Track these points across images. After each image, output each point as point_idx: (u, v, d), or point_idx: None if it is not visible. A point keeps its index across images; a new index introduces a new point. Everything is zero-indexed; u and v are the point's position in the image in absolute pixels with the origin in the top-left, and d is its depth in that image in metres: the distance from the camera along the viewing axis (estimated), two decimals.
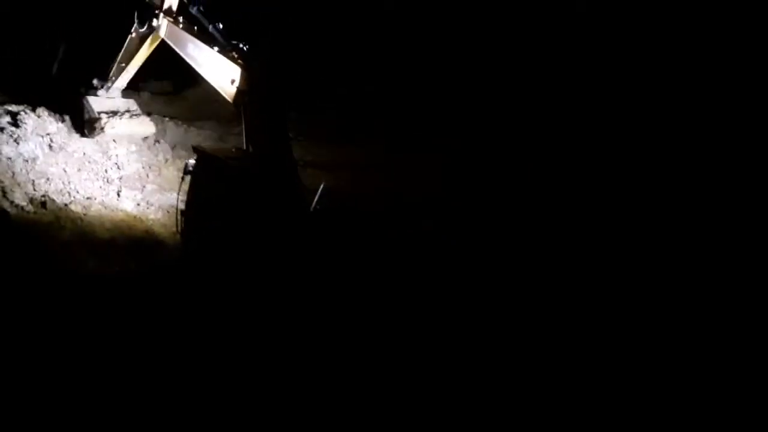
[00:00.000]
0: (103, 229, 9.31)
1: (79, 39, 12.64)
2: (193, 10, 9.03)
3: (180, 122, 12.46)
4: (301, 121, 11.86)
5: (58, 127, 10.72)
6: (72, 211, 9.43)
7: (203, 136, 12.25)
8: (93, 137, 10.87)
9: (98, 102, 11.11)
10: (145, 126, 11.42)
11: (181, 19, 9.35)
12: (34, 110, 10.82)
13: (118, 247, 9.00)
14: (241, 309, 7.23)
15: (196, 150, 8.27)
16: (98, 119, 10.88)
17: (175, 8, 9.47)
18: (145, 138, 11.42)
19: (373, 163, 11.70)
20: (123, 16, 10.22)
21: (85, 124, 11.02)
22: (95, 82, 11.11)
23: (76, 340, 6.57)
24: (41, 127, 10.47)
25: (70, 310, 6.97)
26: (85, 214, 9.48)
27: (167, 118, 12.44)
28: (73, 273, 7.79)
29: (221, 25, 8.74)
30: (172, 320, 7.17)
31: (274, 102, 8.10)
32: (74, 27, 12.93)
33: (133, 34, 10.12)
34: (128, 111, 11.30)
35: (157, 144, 11.80)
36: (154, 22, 9.50)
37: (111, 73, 10.91)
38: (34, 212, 9.08)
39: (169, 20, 9.32)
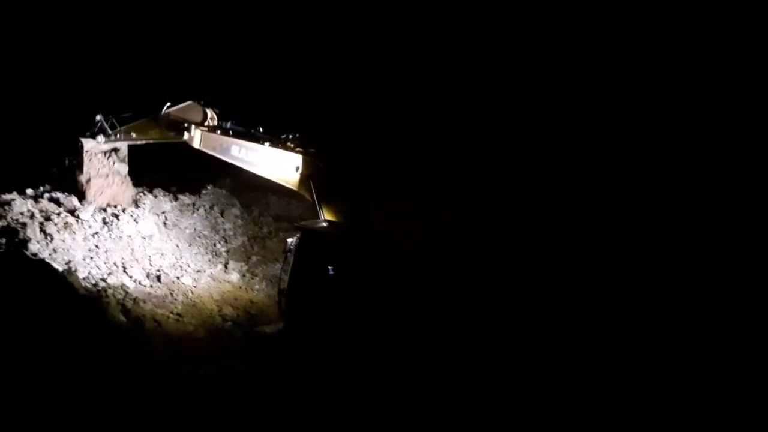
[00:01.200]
0: (212, 300, 9.67)
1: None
2: (228, 125, 9.39)
3: (281, 195, 12.97)
4: None
5: (172, 206, 11.50)
6: (183, 283, 9.90)
7: (302, 208, 12.63)
8: (85, 200, 10.77)
9: (91, 144, 10.84)
10: (128, 194, 11.27)
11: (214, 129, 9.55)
12: (151, 191, 11.75)
13: (225, 317, 9.29)
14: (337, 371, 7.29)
15: (297, 227, 8.50)
16: (86, 185, 10.82)
17: (213, 123, 9.75)
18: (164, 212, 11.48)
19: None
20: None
21: (75, 182, 10.95)
22: (98, 117, 10.88)
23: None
24: (157, 207, 11.28)
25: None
26: (195, 287, 9.92)
27: (270, 193, 12.99)
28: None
29: (261, 129, 9.01)
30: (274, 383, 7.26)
31: (343, 175, 8.37)
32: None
33: (155, 121, 10.23)
34: (115, 154, 11.07)
35: (261, 217, 12.35)
36: (185, 135, 9.54)
37: (117, 131, 10.82)
38: (150, 286, 9.61)
39: (203, 130, 9.39)
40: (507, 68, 14.13)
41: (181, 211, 11.62)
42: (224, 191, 12.37)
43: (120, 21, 15.10)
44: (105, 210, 10.67)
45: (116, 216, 10.59)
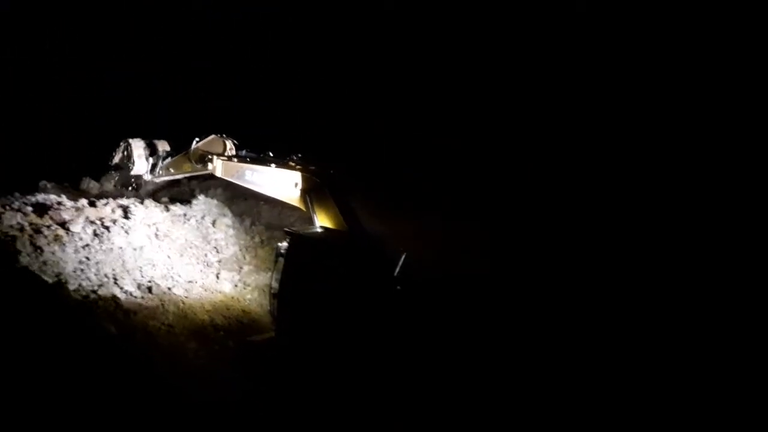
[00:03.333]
0: (203, 310, 9.63)
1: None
2: (243, 153, 10.13)
3: (273, 205, 12.94)
4: None
5: (163, 216, 11.45)
6: (175, 294, 9.86)
7: (295, 216, 12.61)
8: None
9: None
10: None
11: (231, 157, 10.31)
12: (142, 202, 11.71)
13: (217, 327, 9.25)
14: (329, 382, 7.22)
15: (287, 233, 8.57)
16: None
17: (231, 153, 10.36)
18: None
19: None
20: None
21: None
22: (166, 148, 11.64)
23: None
24: (148, 217, 11.22)
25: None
26: (186, 297, 9.88)
27: (262, 202, 12.97)
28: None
29: (271, 153, 9.68)
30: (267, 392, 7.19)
31: (336, 187, 8.48)
32: None
33: (186, 157, 10.88)
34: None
35: (253, 227, 12.30)
36: (209, 166, 10.31)
37: (160, 167, 11.63)
38: (141, 297, 9.56)
39: (223, 159, 10.20)
40: (507, 68, 14.16)
41: (172, 221, 11.56)
42: (216, 201, 12.31)
43: (120, 21, 15.15)
44: (95, 222, 10.63)
45: (107, 228, 10.53)
